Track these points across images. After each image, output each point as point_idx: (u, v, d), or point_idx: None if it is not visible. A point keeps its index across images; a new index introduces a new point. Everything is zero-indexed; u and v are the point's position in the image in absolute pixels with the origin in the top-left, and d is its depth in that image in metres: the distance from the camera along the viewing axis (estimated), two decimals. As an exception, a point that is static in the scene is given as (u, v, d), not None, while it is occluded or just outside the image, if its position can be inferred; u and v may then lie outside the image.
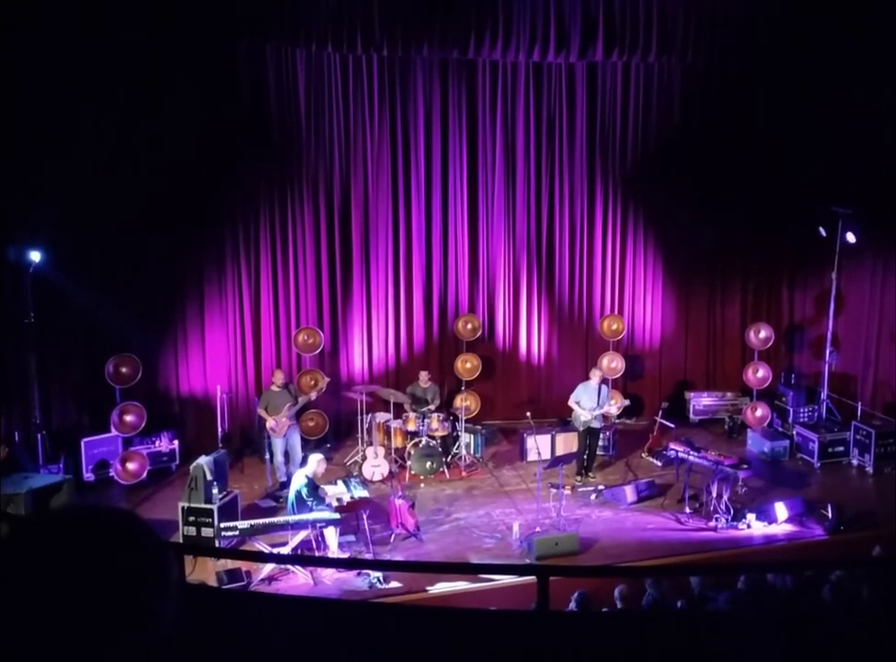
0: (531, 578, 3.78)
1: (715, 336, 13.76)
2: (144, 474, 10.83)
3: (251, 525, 8.77)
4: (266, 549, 8.69)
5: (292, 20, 11.26)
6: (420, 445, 11.19)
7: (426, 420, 11.25)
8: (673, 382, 13.57)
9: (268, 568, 8.56)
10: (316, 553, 8.64)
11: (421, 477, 11.10)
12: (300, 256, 12.25)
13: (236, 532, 8.71)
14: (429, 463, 11.12)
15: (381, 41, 11.57)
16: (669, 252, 13.36)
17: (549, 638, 2.65)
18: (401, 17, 11.47)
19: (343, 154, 12.25)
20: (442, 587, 8.23)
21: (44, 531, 1.25)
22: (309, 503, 8.85)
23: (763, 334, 12.76)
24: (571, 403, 11.12)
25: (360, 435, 11.55)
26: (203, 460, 9.35)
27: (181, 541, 8.76)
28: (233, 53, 11.34)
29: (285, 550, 8.61)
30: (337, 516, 8.80)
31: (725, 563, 9.11)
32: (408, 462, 11.17)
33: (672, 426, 12.06)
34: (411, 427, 11.29)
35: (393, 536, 9.36)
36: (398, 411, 11.62)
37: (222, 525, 8.73)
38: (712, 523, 9.77)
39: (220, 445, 10.73)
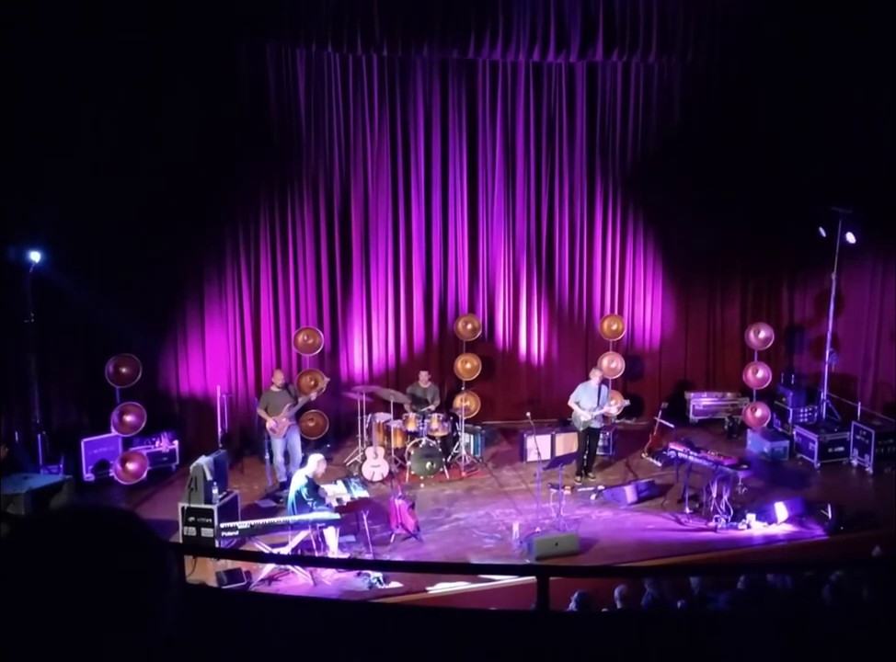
0: (531, 579, 3.78)
1: (715, 336, 13.76)
2: (144, 475, 10.83)
3: (251, 525, 8.77)
4: (266, 549, 8.69)
5: (292, 20, 11.26)
6: (420, 445, 11.19)
7: (426, 420, 11.25)
8: (673, 382, 13.57)
9: (268, 568, 8.56)
10: (316, 554, 8.64)
11: (421, 477, 11.10)
12: (300, 257, 12.25)
13: (236, 533, 8.71)
14: (429, 464, 11.12)
15: (381, 41, 11.57)
16: (669, 252, 13.36)
17: (549, 638, 2.65)
18: (401, 17, 11.47)
19: (343, 154, 12.25)
20: (442, 588, 8.23)
21: (44, 532, 1.25)
22: (309, 503, 8.85)
23: (763, 334, 12.76)
24: (571, 403, 11.11)
25: (360, 435, 11.55)
26: (203, 460, 9.34)
27: (181, 541, 8.76)
28: (233, 53, 11.33)
29: (285, 550, 8.61)
30: (337, 516, 8.80)
31: (725, 563, 9.11)
32: (408, 463, 11.16)
33: (672, 426, 12.06)
34: (411, 427, 11.29)
35: (393, 536, 9.36)
36: (398, 411, 11.62)
37: (222, 525, 8.73)
38: (712, 523, 9.77)
39: (220, 445, 10.72)
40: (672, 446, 11.14)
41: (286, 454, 10.68)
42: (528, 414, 11.39)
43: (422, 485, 10.96)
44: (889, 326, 12.55)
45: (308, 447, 11.36)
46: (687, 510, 10.07)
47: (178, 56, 10.68)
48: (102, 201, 10.61)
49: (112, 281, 10.86)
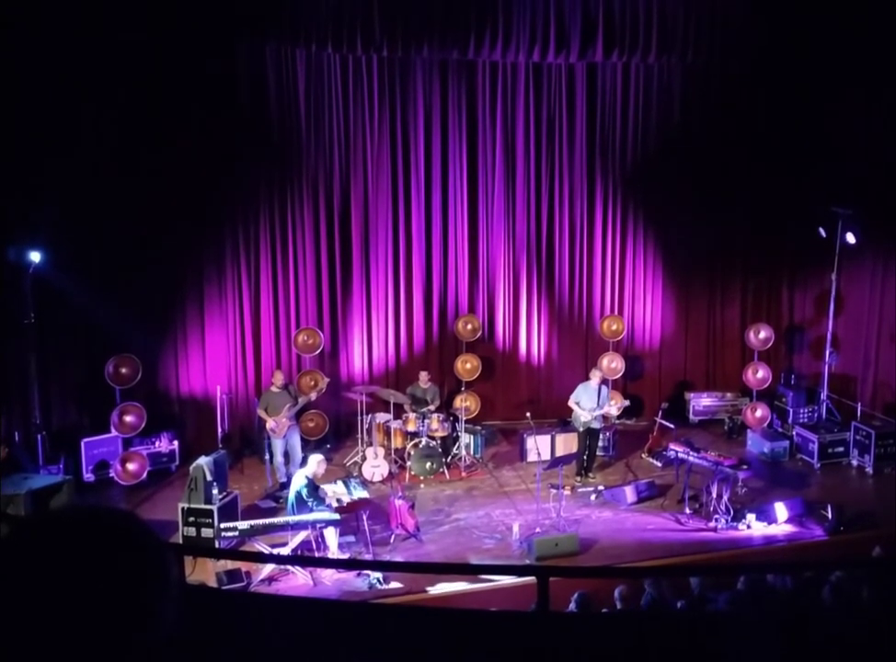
0: (531, 579, 3.79)
1: (715, 336, 13.76)
2: (144, 475, 10.83)
3: (251, 526, 8.77)
4: (266, 549, 8.69)
5: (292, 20, 11.27)
6: (420, 446, 11.19)
7: (426, 421, 11.25)
8: (673, 382, 13.58)
9: (267, 569, 8.56)
10: (316, 554, 8.64)
11: (421, 478, 11.10)
12: (300, 257, 12.25)
13: (236, 533, 8.70)
14: (428, 464, 11.12)
15: (381, 42, 11.57)
16: (669, 252, 13.37)
17: (549, 639, 2.65)
18: (401, 17, 11.47)
19: (343, 155, 12.25)
20: (442, 588, 8.23)
21: (44, 532, 1.25)
22: (309, 503, 8.85)
23: (762, 334, 12.76)
24: (571, 403, 11.11)
25: (360, 435, 11.55)
26: (203, 460, 9.34)
27: (181, 541, 8.76)
28: (233, 53, 11.34)
29: (285, 550, 8.60)
30: (336, 516, 8.80)
31: (725, 563, 9.11)
32: (408, 463, 11.16)
33: (672, 426, 12.06)
34: (411, 427, 11.29)
35: (393, 537, 9.36)
36: (398, 411, 11.62)
37: (222, 526, 8.73)
38: (712, 524, 9.77)
39: (220, 445, 10.72)
40: (671, 446, 11.14)
41: (286, 455, 10.68)
42: (528, 414, 11.39)
43: (422, 486, 10.96)
44: (889, 327, 12.55)
45: (308, 447, 11.36)
46: (687, 511, 10.07)
47: (178, 56, 10.67)
48: (102, 201, 10.62)
49: (112, 281, 10.86)
